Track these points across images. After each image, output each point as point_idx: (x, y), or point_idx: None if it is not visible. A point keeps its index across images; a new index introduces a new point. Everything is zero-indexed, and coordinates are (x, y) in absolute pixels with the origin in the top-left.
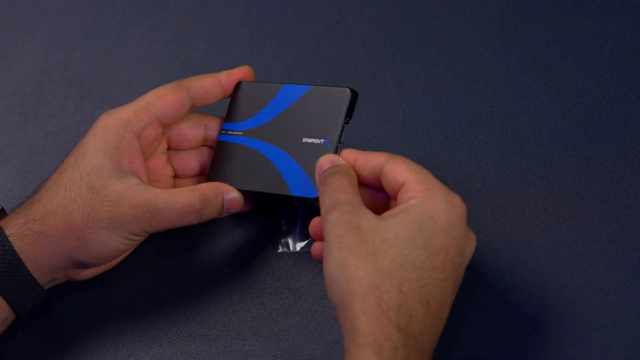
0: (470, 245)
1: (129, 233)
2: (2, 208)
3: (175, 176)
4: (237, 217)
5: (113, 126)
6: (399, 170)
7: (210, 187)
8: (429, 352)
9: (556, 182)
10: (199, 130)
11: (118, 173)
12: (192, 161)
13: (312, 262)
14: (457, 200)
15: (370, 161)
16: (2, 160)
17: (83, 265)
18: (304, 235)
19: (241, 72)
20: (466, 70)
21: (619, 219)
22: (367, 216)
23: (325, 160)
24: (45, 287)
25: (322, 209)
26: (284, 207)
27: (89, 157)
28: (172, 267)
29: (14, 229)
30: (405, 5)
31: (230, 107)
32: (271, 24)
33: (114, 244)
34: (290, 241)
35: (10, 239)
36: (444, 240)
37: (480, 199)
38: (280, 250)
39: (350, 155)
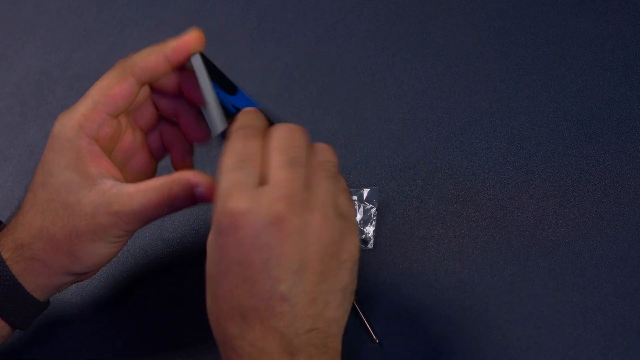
0: (274, 231)
1: (113, 237)
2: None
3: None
4: None
5: (67, 137)
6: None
7: (180, 180)
8: (282, 347)
9: (556, 182)
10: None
11: (88, 182)
12: (157, 139)
13: None
14: (228, 205)
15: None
16: (2, 160)
17: (84, 274)
18: None
19: (190, 40)
20: (466, 70)
21: (619, 219)
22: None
23: None
24: (49, 298)
25: None
26: None
27: (55, 176)
28: (171, 267)
29: (7, 254)
30: (405, 5)
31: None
32: (271, 24)
33: (104, 251)
34: None
35: (6, 263)
36: (230, 256)
37: (480, 199)
38: None
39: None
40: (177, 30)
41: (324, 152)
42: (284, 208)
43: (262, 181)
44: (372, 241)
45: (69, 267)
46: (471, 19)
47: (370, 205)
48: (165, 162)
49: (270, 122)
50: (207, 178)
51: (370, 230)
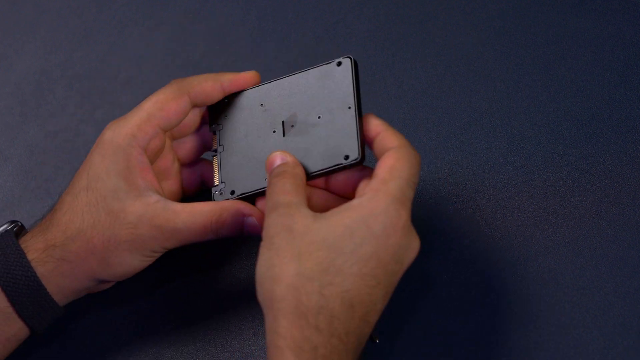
0: (410, 254)
1: (150, 251)
2: (20, 224)
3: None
4: None
5: (119, 144)
6: (387, 156)
7: (230, 208)
8: (356, 351)
9: (556, 182)
10: (197, 143)
11: (135, 193)
12: (194, 175)
13: None
14: (399, 213)
15: (384, 142)
16: (2, 160)
17: (106, 282)
18: None
19: (247, 78)
20: (466, 70)
21: (619, 219)
22: (302, 217)
23: (273, 158)
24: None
25: (265, 212)
26: None
27: (102, 180)
28: (172, 267)
29: (34, 254)
30: (405, 5)
31: None
32: (271, 24)
33: (136, 263)
34: None
35: (32, 264)
36: (375, 247)
37: (480, 199)
38: None
39: (373, 124)
40: (177, 30)
41: None
42: (418, 242)
43: None
44: None
45: (97, 272)
46: (471, 19)
47: None
48: None
49: None
50: (259, 210)
51: None
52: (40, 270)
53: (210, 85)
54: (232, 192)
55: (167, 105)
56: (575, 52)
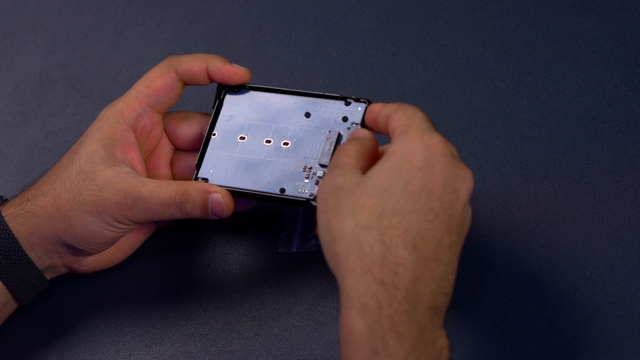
0: (463, 183)
1: (112, 220)
2: (6, 198)
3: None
4: (237, 216)
5: (108, 118)
6: (394, 115)
7: (196, 185)
8: (429, 299)
9: (556, 182)
10: (194, 133)
11: (110, 161)
12: (190, 165)
13: (312, 262)
14: (434, 140)
15: (384, 110)
16: (2, 160)
17: (76, 250)
18: (304, 236)
19: (234, 71)
20: (466, 70)
21: (619, 219)
22: (352, 175)
23: (355, 132)
24: (47, 276)
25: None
26: (285, 207)
27: (84, 145)
28: (172, 267)
29: (9, 209)
30: (405, 5)
31: None
32: (271, 24)
33: (97, 230)
34: (290, 241)
35: (5, 219)
36: (423, 180)
37: (481, 198)
38: (280, 250)
39: (374, 107)
40: (177, 30)
41: None
42: (467, 170)
43: None
44: None
45: (61, 232)
46: (471, 19)
47: None
48: None
49: None
50: (224, 191)
51: None
52: (12, 224)
53: (198, 65)
54: (206, 180)
55: (153, 82)
56: (575, 52)
